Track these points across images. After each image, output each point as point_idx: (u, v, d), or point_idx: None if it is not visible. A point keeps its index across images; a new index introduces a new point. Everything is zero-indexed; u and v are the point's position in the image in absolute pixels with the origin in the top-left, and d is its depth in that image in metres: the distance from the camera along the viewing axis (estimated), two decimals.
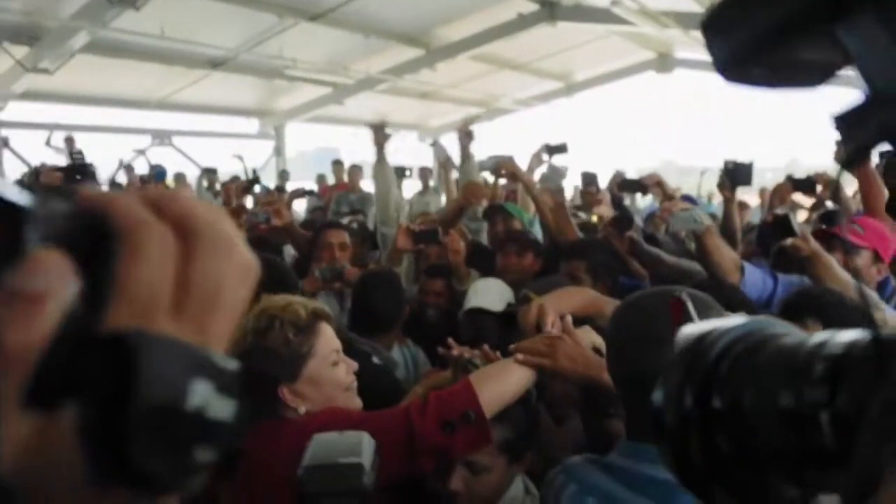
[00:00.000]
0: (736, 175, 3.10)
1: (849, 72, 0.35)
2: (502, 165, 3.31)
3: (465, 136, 3.71)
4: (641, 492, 0.99)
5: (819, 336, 0.45)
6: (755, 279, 2.06)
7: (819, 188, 2.86)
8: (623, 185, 3.55)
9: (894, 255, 2.05)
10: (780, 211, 2.31)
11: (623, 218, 2.65)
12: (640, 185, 3.42)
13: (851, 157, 0.33)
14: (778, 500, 0.48)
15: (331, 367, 1.42)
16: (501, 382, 1.39)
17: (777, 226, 1.99)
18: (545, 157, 4.02)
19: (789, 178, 2.98)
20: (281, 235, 3.62)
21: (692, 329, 0.55)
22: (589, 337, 1.48)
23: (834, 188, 2.60)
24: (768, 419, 0.45)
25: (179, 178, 7.55)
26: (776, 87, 0.39)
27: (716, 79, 0.39)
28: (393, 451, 1.22)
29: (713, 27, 0.39)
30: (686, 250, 2.79)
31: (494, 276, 2.60)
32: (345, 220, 4.22)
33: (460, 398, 1.32)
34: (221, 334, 0.37)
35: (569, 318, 1.49)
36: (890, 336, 0.38)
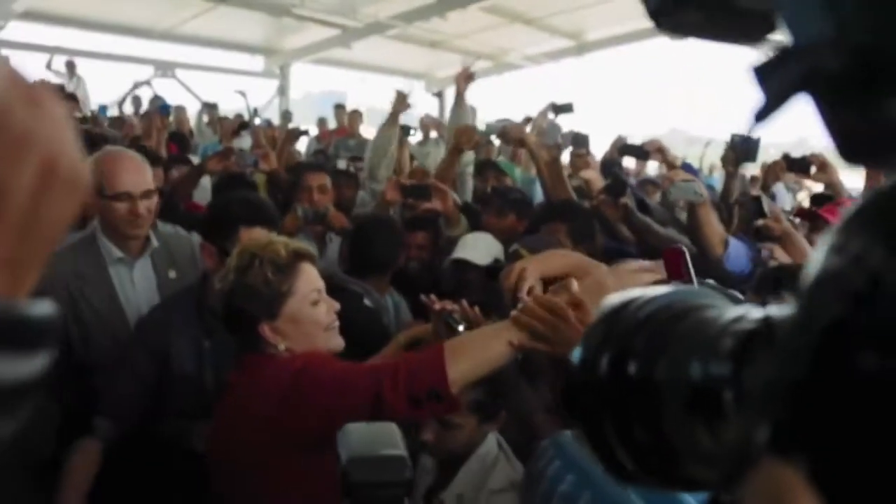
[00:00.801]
0: (742, 150, 3.09)
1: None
2: (510, 130, 3.28)
3: (463, 80, 3.70)
4: None
5: (737, 310, 0.43)
6: (738, 254, 2.11)
7: (813, 169, 2.86)
8: (624, 150, 3.55)
9: None
10: (754, 193, 2.34)
11: (617, 184, 2.66)
12: (641, 151, 3.41)
13: (766, 108, 0.33)
14: (690, 480, 0.47)
15: (311, 307, 1.44)
16: (477, 357, 1.31)
17: (751, 205, 2.03)
18: (551, 115, 4.01)
19: (785, 157, 2.99)
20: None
21: (618, 296, 0.53)
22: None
23: None
24: (677, 391, 0.43)
25: (179, 110, 7.47)
26: (713, 38, 0.37)
27: (730, 49, 0.37)
28: (357, 412, 1.23)
29: None
30: (675, 219, 2.81)
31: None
32: (342, 164, 4.22)
33: (429, 373, 1.26)
34: (27, 262, 0.30)
35: (574, 285, 1.36)
36: (782, 315, 0.37)
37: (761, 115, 0.33)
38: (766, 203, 1.99)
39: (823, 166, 2.89)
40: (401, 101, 3.54)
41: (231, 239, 1.76)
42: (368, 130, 9.54)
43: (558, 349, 1.30)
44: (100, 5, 7.65)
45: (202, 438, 1.59)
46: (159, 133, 3.87)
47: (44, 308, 0.29)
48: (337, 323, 1.49)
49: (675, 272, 1.17)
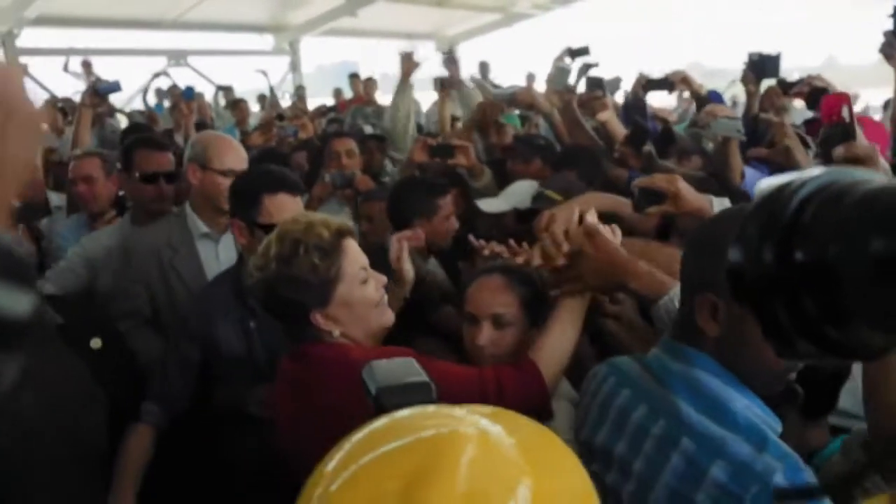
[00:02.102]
0: (761, 67, 3.04)
1: None
2: (519, 96, 3.28)
3: (451, 62, 3.71)
4: (670, 387, 1.03)
5: None
6: (754, 180, 2.23)
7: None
8: (649, 85, 3.50)
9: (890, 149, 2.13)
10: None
11: (638, 133, 2.63)
12: (666, 83, 3.37)
13: None
14: (864, 348, 0.49)
15: (361, 287, 1.39)
16: (564, 359, 1.40)
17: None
18: (567, 60, 3.96)
19: (779, 83, 2.96)
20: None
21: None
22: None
23: None
24: (858, 268, 0.43)
25: (197, 97, 7.58)
26: None
27: None
28: None
29: None
30: (701, 148, 2.79)
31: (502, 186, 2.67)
32: (368, 130, 4.27)
33: (534, 397, 1.32)
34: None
35: (592, 219, 1.46)
36: None
37: None
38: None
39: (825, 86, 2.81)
40: (407, 62, 3.57)
41: (257, 209, 1.78)
42: (384, 98, 9.53)
43: (589, 285, 1.40)
44: (108, 2, 7.72)
45: (259, 403, 1.64)
46: (187, 119, 3.97)
47: (20, 245, 0.31)
48: (386, 297, 1.46)
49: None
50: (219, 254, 2.17)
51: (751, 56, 3.10)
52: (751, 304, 0.50)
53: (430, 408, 0.71)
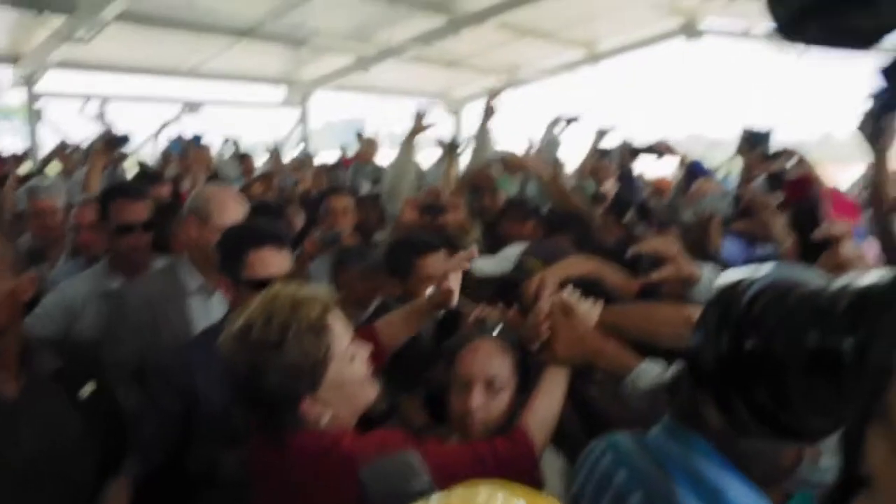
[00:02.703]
0: (754, 142, 3.16)
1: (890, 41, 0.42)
2: (508, 161, 3.41)
3: (488, 109, 3.79)
4: (670, 472, 1.00)
5: (842, 280, 0.50)
6: (733, 251, 2.43)
7: (790, 163, 2.91)
8: (635, 153, 3.61)
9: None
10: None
11: (619, 204, 2.72)
12: (652, 151, 3.48)
13: (891, 103, 0.42)
14: (808, 430, 0.54)
15: (350, 365, 1.32)
16: (553, 422, 1.43)
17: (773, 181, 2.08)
18: (559, 128, 4.11)
19: (760, 154, 3.08)
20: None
21: (727, 277, 0.59)
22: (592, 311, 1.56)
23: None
24: (797, 359, 0.49)
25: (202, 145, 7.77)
26: (830, 46, 0.46)
27: (746, 48, 0.44)
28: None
29: None
30: (678, 219, 2.89)
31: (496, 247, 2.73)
32: (365, 188, 4.37)
33: (526, 471, 1.33)
34: None
35: (567, 296, 1.56)
36: None
37: (888, 108, 0.44)
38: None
39: (800, 161, 2.91)
40: (419, 122, 3.64)
41: (241, 265, 1.75)
42: (390, 154, 9.70)
43: (559, 355, 1.50)
44: (128, 49, 7.97)
45: (233, 468, 1.61)
46: (195, 166, 3.99)
47: None
48: (371, 370, 1.40)
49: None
50: (210, 309, 2.14)
51: (744, 131, 3.23)
52: (706, 386, 0.56)
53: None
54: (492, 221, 3.26)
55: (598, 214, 2.76)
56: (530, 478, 1.34)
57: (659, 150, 3.44)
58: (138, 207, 2.41)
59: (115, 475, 1.68)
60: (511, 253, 2.56)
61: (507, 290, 2.20)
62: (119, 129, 3.49)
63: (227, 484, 1.64)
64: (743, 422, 0.56)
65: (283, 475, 1.29)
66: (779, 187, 2.07)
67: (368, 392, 1.38)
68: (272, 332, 1.23)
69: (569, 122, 3.64)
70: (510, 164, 3.44)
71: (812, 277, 0.54)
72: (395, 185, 3.68)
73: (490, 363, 1.53)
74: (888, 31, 0.40)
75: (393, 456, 1.16)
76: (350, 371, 1.32)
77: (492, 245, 2.83)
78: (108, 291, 2.31)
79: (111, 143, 3.42)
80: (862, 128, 2.35)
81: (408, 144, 3.67)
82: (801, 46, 0.45)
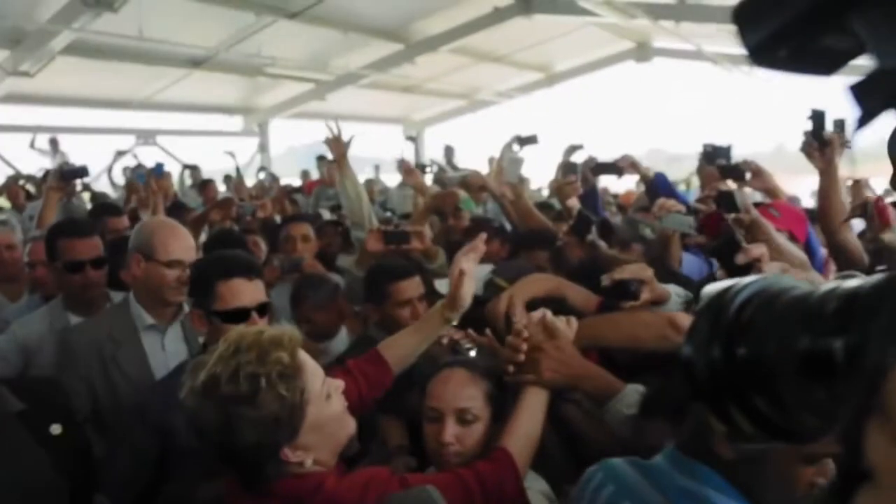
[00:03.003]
0: (714, 157, 3.19)
1: (858, 61, 0.42)
2: (470, 179, 3.41)
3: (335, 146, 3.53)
4: (677, 502, 0.96)
5: (828, 284, 0.51)
6: (692, 266, 2.47)
7: (748, 175, 2.96)
8: (598, 169, 3.60)
9: (807, 236, 2.23)
10: (723, 188, 2.43)
11: (581, 223, 2.71)
12: (615, 168, 3.48)
13: (861, 121, 0.41)
14: (803, 431, 0.53)
15: (326, 403, 1.25)
16: (534, 445, 1.41)
17: (722, 201, 2.12)
18: (516, 148, 4.14)
19: (718, 167, 3.11)
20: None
21: (714, 286, 0.60)
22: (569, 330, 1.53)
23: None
24: (789, 363, 0.50)
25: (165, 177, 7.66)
26: (799, 71, 0.45)
27: (695, 68, 0.43)
28: None
29: (744, 17, 0.45)
30: (638, 235, 2.92)
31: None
32: (326, 214, 4.33)
33: (510, 491, 1.31)
34: None
35: (550, 317, 1.52)
36: None
37: (860, 125, 0.42)
38: (737, 196, 2.09)
39: (758, 172, 2.93)
40: (336, 145, 3.30)
41: (211, 296, 1.70)
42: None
43: (544, 378, 1.45)
44: (78, 81, 7.86)
45: (207, 503, 1.53)
46: (156, 197, 3.89)
47: None
48: (346, 403, 1.33)
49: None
50: (165, 345, 2.06)
51: (705, 147, 3.28)
52: (701, 396, 0.57)
53: None
54: (457, 241, 3.26)
55: (562, 233, 2.76)
56: (516, 501, 1.31)
57: (622, 164, 3.44)
58: (87, 244, 2.32)
59: None
60: (477, 274, 2.54)
61: (477, 311, 2.18)
62: (72, 162, 3.38)
63: None
64: (741, 429, 0.56)
65: None
66: (731, 208, 2.09)
67: (347, 427, 1.31)
68: (241, 385, 1.14)
69: (526, 140, 3.65)
70: (471, 184, 3.45)
71: (798, 284, 0.55)
72: (351, 212, 3.65)
73: (461, 394, 1.46)
74: (859, 53, 0.41)
75: (414, 491, 1.11)
76: (328, 410, 1.25)
77: None
78: (60, 331, 2.21)
79: (66, 176, 3.32)
80: (804, 149, 2.42)
81: (341, 169, 3.49)
82: (766, 70, 0.45)
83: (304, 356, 1.24)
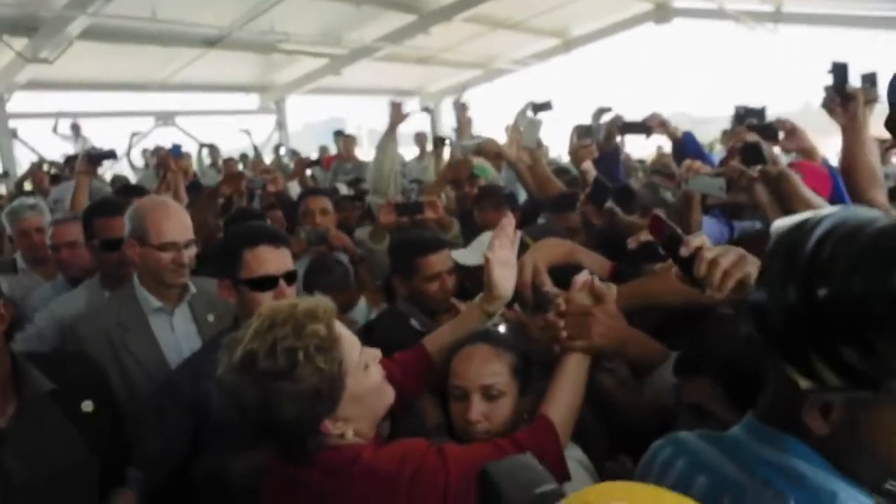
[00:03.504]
0: (746, 157, 3.09)
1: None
2: (484, 146, 3.38)
3: (396, 115, 3.70)
4: (761, 477, 0.89)
5: None
6: (712, 230, 2.32)
7: (781, 135, 2.86)
8: (626, 129, 3.51)
9: (831, 194, 2.18)
10: (749, 138, 2.35)
11: (599, 190, 2.65)
12: (643, 127, 3.40)
13: None
14: (889, 376, 0.50)
15: (364, 373, 1.24)
16: (575, 413, 1.36)
17: (748, 153, 2.07)
18: (530, 114, 4.10)
19: (748, 126, 3.00)
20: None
21: (785, 220, 0.54)
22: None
23: None
24: (881, 302, 0.45)
25: (181, 155, 7.75)
26: None
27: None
28: None
29: None
30: (660, 199, 2.86)
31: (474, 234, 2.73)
32: (343, 189, 4.35)
33: (551, 459, 1.27)
34: None
35: (598, 281, 1.46)
36: None
37: None
38: (764, 148, 2.03)
39: (793, 132, 2.77)
40: (396, 112, 3.59)
41: (238, 265, 1.71)
42: (371, 151, 9.66)
43: (594, 343, 1.42)
44: (96, 66, 7.93)
45: (241, 475, 1.56)
46: (176, 178, 3.95)
47: None
48: (384, 372, 1.32)
49: (658, 232, 1.27)
50: (174, 327, 2.06)
51: (737, 109, 3.20)
52: (776, 345, 0.53)
53: None
54: (470, 210, 3.26)
55: (579, 204, 2.74)
56: (556, 470, 1.27)
57: (651, 123, 3.36)
58: (122, 223, 2.28)
59: (118, 486, 1.64)
60: (484, 240, 2.54)
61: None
62: (98, 146, 3.43)
63: (235, 491, 1.59)
64: (824, 380, 0.53)
65: (304, 495, 1.22)
66: (757, 160, 2.01)
67: (386, 397, 1.30)
68: (279, 359, 1.13)
69: (540, 107, 3.60)
70: (486, 150, 3.41)
71: (878, 214, 0.49)
72: (377, 180, 3.67)
73: (485, 370, 1.42)
74: None
75: (516, 457, 1.13)
76: (367, 381, 1.24)
77: (471, 235, 2.82)
78: (68, 320, 2.20)
79: (94, 159, 3.37)
80: (826, 105, 2.32)
81: (387, 137, 3.64)
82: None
83: (339, 327, 1.23)
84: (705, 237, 1.15)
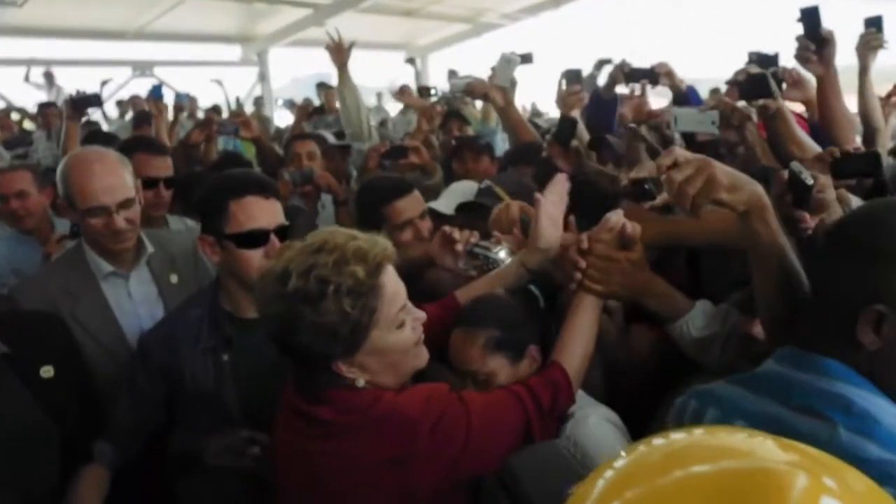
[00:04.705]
0: (763, 64, 2.94)
1: None
2: (473, 86, 3.29)
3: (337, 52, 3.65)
4: (804, 405, 0.88)
5: None
6: None
7: (784, 86, 2.71)
8: (632, 75, 3.39)
9: None
10: (754, 70, 2.23)
11: (564, 129, 2.41)
12: (651, 74, 3.28)
13: None
14: None
15: (396, 332, 1.18)
16: (588, 358, 1.33)
17: (752, 85, 1.98)
18: (505, 52, 3.97)
19: (734, 83, 2.92)
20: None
21: None
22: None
23: None
24: None
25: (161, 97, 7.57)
26: None
27: None
28: (511, 448, 1.14)
29: None
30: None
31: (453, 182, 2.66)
32: (331, 139, 4.26)
33: (563, 399, 1.26)
34: None
35: (631, 226, 1.38)
36: None
37: None
38: (771, 81, 1.94)
39: (798, 82, 2.56)
40: (337, 52, 3.55)
41: (223, 218, 1.53)
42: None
43: (612, 290, 1.37)
44: (70, 12, 7.65)
45: (216, 455, 1.49)
46: (157, 121, 3.84)
47: None
48: (422, 336, 1.25)
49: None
50: (131, 292, 1.83)
51: (750, 56, 3.09)
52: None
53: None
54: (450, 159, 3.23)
55: (546, 144, 2.63)
56: (565, 411, 1.28)
57: (659, 70, 3.23)
58: (162, 163, 2.34)
59: (84, 460, 1.53)
60: (459, 188, 2.44)
61: (476, 220, 1.96)
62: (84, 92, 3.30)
63: (211, 469, 1.49)
64: None
65: (315, 431, 1.18)
66: (762, 93, 1.92)
67: (416, 360, 1.24)
68: (310, 286, 1.09)
69: (521, 58, 3.49)
70: (475, 90, 3.33)
71: None
72: (347, 125, 3.66)
73: (461, 359, 1.37)
74: None
75: (541, 448, 1.07)
76: (395, 339, 1.17)
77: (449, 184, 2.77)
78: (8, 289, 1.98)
79: (78, 105, 3.25)
80: (799, 55, 2.19)
81: (341, 83, 3.61)
82: None
83: (387, 278, 1.16)
84: (676, 149, 1.08)
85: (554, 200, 1.47)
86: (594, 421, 1.31)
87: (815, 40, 2.05)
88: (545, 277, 1.49)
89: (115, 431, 1.58)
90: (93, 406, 1.61)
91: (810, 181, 1.20)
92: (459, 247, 1.60)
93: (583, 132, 2.76)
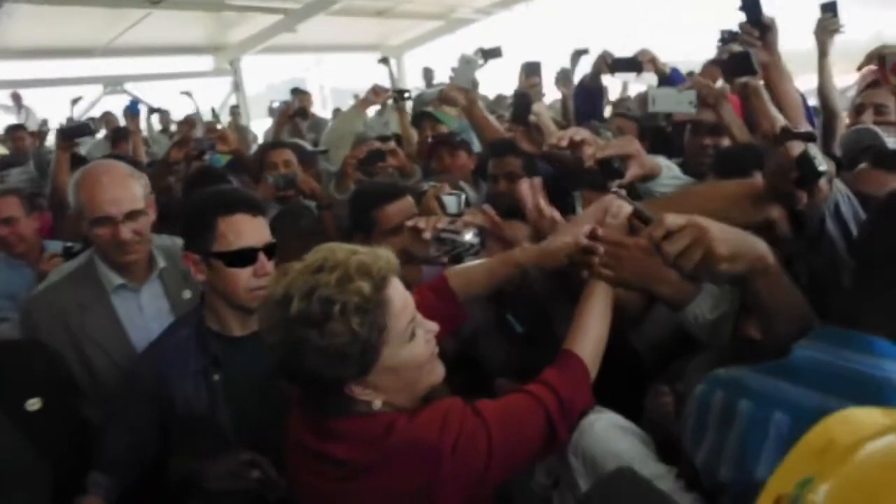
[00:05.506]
0: (733, 67, 2.94)
1: None
2: (446, 92, 3.27)
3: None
4: (857, 399, 0.81)
5: None
6: None
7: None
8: (615, 65, 3.35)
9: None
10: (738, 48, 2.23)
11: (519, 104, 2.31)
12: (634, 63, 3.25)
13: None
14: None
15: (408, 346, 1.12)
16: (602, 340, 1.30)
17: (734, 63, 1.96)
18: (480, 62, 3.93)
19: (714, 62, 2.93)
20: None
21: None
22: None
23: None
24: None
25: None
26: None
27: None
28: (535, 456, 1.16)
29: None
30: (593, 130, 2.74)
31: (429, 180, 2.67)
32: (308, 146, 4.25)
33: (582, 398, 1.23)
34: None
35: (646, 212, 1.36)
36: None
37: None
38: (754, 58, 1.93)
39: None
40: (376, 94, 3.83)
41: (211, 235, 1.50)
42: (328, 109, 9.41)
43: (621, 276, 1.36)
44: (36, 31, 7.51)
45: (217, 479, 1.46)
46: (135, 136, 3.81)
47: None
48: (437, 349, 1.20)
49: None
50: (142, 306, 1.84)
51: (722, 33, 3.08)
52: None
53: None
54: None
55: (508, 125, 2.60)
56: (586, 405, 1.24)
57: (642, 59, 3.22)
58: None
59: (78, 493, 1.49)
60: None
61: None
62: (42, 116, 3.34)
63: (211, 495, 1.47)
64: None
65: (331, 470, 1.12)
66: (745, 71, 1.92)
67: (431, 375, 1.18)
68: (313, 307, 1.03)
69: (489, 53, 3.44)
70: (448, 98, 3.31)
71: None
72: (332, 145, 3.69)
73: None
74: None
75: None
76: (407, 353, 1.12)
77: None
78: (24, 302, 2.00)
79: (67, 135, 3.24)
80: (744, 40, 2.17)
81: (357, 110, 3.92)
82: None
83: (394, 291, 1.10)
84: (666, 218, 1.08)
85: (589, 222, 1.40)
86: (600, 427, 1.27)
87: (758, 26, 2.05)
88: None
89: (109, 461, 1.55)
90: (85, 436, 1.58)
91: (823, 167, 1.18)
92: (427, 234, 1.57)
93: (541, 109, 2.74)
